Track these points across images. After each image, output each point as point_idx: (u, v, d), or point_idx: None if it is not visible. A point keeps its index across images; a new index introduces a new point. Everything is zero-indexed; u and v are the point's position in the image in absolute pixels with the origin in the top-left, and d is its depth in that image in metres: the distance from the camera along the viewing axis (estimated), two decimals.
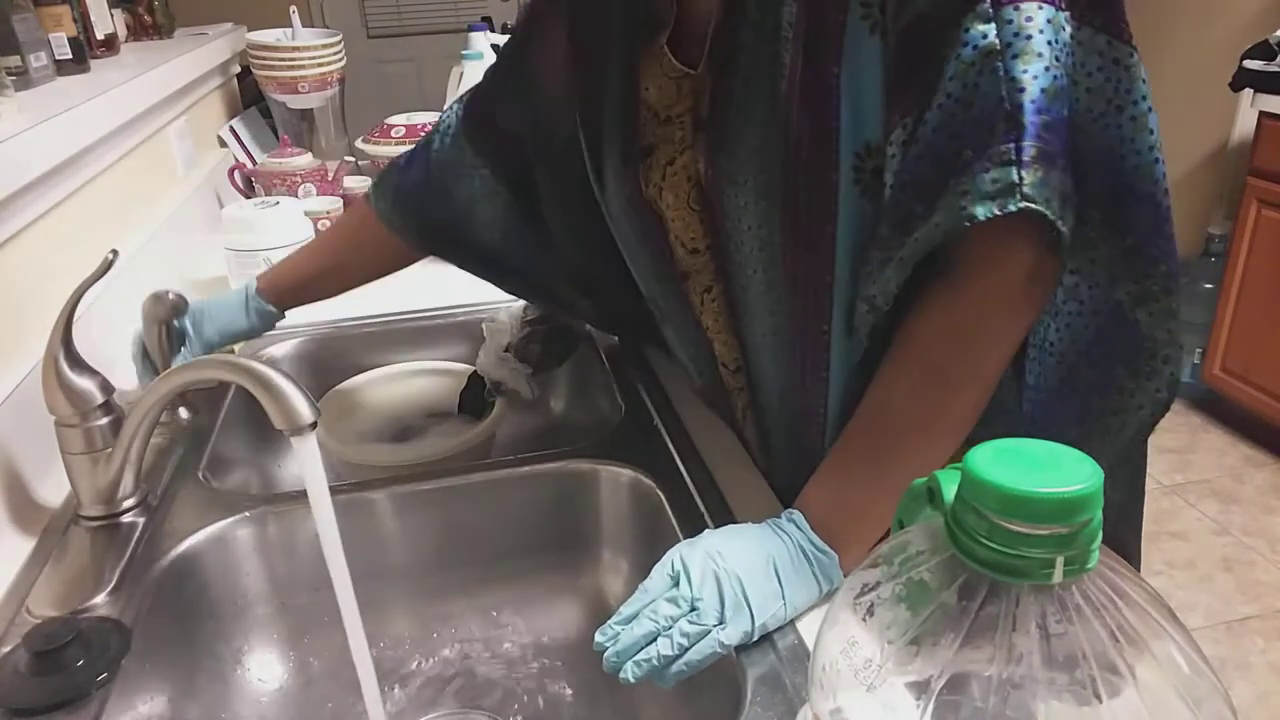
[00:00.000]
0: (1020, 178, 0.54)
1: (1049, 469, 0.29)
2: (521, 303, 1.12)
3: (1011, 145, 0.55)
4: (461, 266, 1.03)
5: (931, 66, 0.57)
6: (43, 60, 1.18)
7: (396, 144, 1.82)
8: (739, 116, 0.67)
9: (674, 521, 0.78)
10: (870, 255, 0.63)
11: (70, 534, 0.78)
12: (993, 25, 0.55)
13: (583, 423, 1.13)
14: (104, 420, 0.78)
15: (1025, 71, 0.55)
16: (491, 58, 1.74)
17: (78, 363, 0.77)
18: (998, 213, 0.54)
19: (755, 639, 0.62)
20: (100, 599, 0.71)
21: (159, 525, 0.80)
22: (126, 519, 0.79)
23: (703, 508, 0.78)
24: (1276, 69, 2.30)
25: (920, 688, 0.29)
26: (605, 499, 0.87)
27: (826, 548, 0.65)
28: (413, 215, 0.98)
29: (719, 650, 0.60)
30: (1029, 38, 0.55)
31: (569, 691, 0.82)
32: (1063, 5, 0.57)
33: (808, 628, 0.64)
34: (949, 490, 0.31)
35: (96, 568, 0.74)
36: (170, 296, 0.93)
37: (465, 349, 1.16)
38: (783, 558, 0.64)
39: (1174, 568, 2.10)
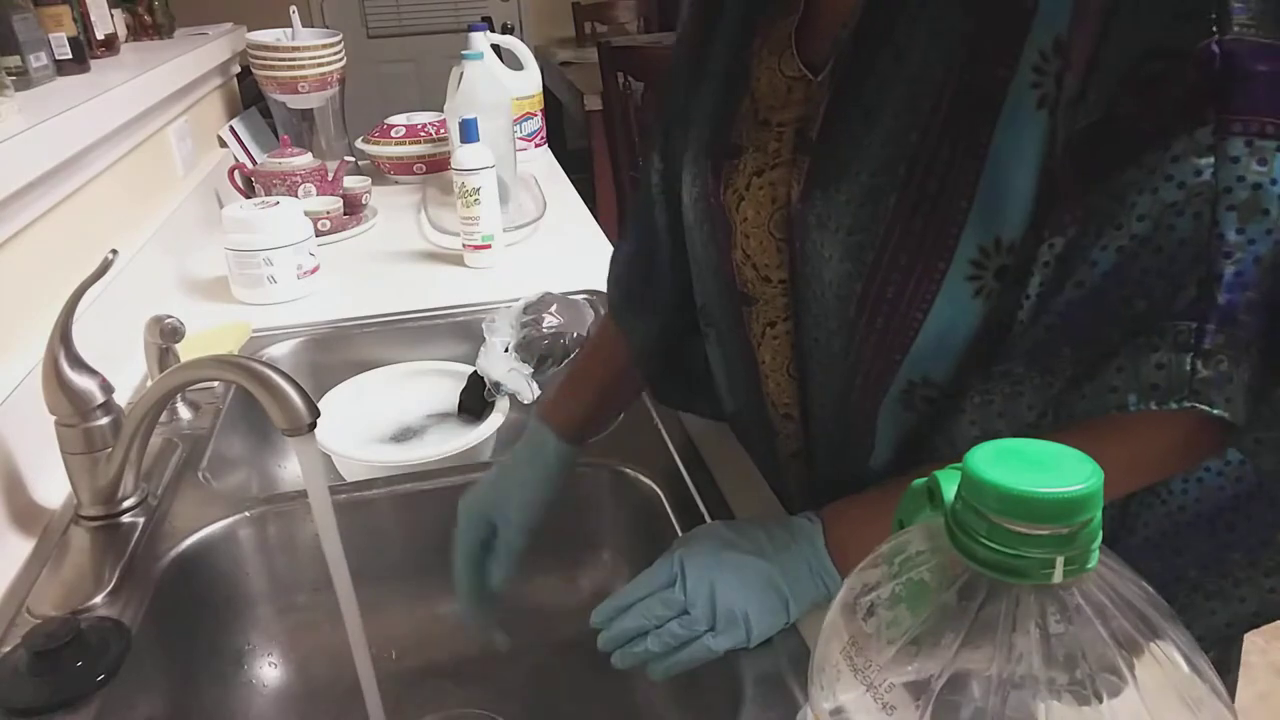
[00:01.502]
0: (1194, 369, 0.44)
1: (1049, 469, 0.29)
2: (521, 302, 1.12)
3: (1194, 325, 0.44)
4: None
5: (1113, 185, 0.46)
6: (43, 60, 1.18)
7: (396, 144, 1.83)
8: (852, 154, 0.56)
9: (674, 521, 0.78)
10: (991, 374, 0.53)
11: (70, 534, 0.78)
12: (1211, 160, 0.44)
13: None
14: (104, 420, 0.78)
15: (1241, 233, 0.44)
16: (491, 58, 1.74)
17: (78, 363, 0.77)
18: (1154, 408, 0.45)
19: (754, 645, 0.60)
20: (100, 599, 0.71)
21: (159, 525, 0.80)
22: (126, 519, 0.79)
23: (703, 508, 0.78)
24: None
25: (920, 688, 0.29)
26: (605, 499, 0.87)
27: (834, 571, 0.60)
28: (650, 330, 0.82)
29: (709, 655, 0.58)
30: (1257, 187, 0.43)
31: (569, 691, 0.82)
32: None
33: (808, 628, 0.64)
34: (949, 490, 0.31)
35: (96, 568, 0.74)
36: (169, 321, 0.93)
37: (465, 349, 1.16)
38: (789, 573, 0.59)
39: None
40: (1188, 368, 0.44)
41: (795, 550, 0.60)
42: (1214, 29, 0.43)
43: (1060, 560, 0.28)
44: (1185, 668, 0.30)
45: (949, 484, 0.32)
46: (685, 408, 0.89)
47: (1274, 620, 0.58)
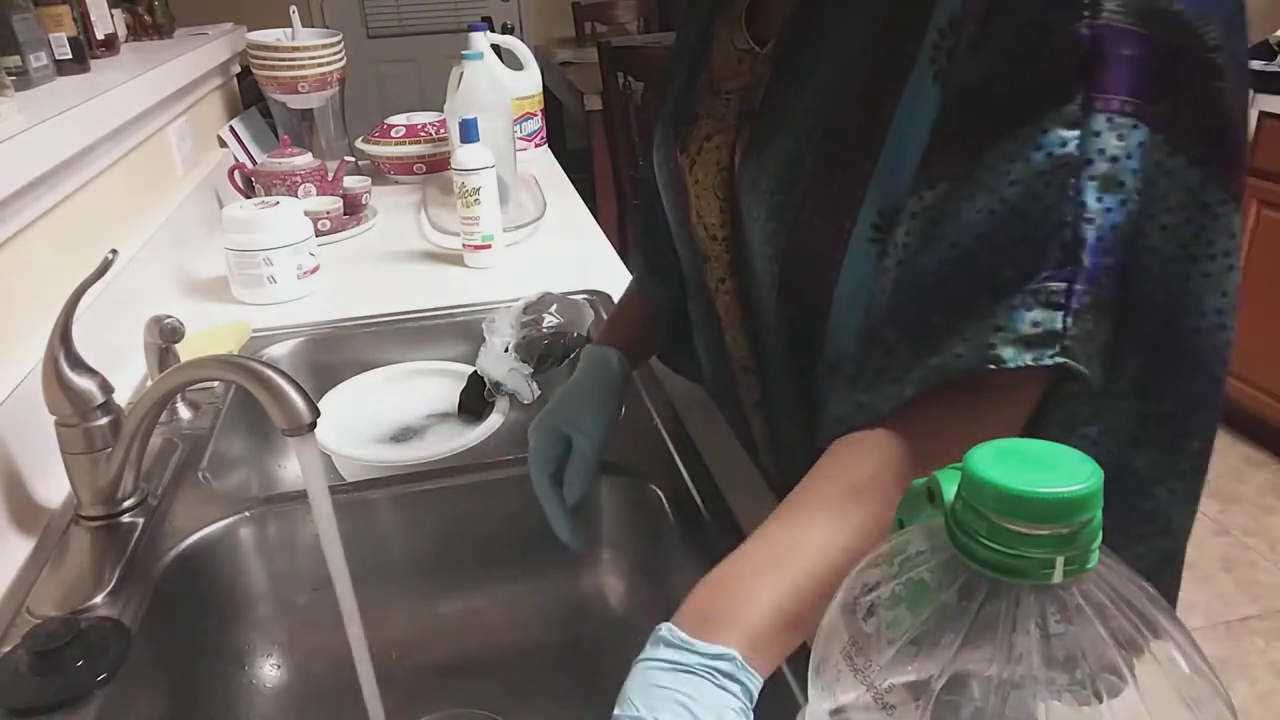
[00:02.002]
0: (1065, 327, 0.47)
1: (1049, 469, 0.29)
2: (522, 302, 1.12)
3: (1064, 285, 0.47)
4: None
5: (986, 153, 0.49)
6: (43, 60, 1.18)
7: (396, 144, 1.83)
8: (782, 122, 0.61)
9: (674, 521, 0.78)
10: (869, 353, 0.54)
11: (70, 534, 0.78)
12: (1077, 133, 0.47)
13: None
14: (104, 420, 0.78)
15: (1100, 201, 0.47)
16: (492, 58, 1.74)
17: (78, 363, 0.77)
18: (1029, 363, 0.47)
19: None
20: (100, 599, 0.71)
21: (159, 525, 0.80)
22: (126, 519, 0.79)
23: (703, 508, 0.78)
24: (1276, 69, 2.30)
25: (920, 688, 0.29)
26: (605, 499, 0.87)
27: (706, 646, 0.49)
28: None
29: None
30: (1114, 160, 0.47)
31: (569, 691, 0.82)
32: (1160, 126, 0.48)
33: None
34: (949, 490, 0.31)
35: (96, 568, 0.74)
36: (169, 321, 0.93)
37: (465, 349, 1.16)
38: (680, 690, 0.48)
39: None
40: (1059, 325, 0.47)
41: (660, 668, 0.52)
42: (1085, 12, 0.47)
43: (1060, 560, 0.28)
44: (1185, 668, 0.30)
45: (949, 484, 0.32)
46: (682, 370, 0.95)
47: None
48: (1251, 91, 2.37)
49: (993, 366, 0.47)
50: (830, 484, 0.53)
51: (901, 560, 0.32)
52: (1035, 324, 0.47)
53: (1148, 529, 0.59)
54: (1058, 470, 0.29)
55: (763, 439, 0.80)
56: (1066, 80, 0.47)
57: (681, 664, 0.48)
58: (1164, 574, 0.64)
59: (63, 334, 0.76)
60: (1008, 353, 0.47)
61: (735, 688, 0.47)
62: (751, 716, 0.47)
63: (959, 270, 0.50)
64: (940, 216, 0.51)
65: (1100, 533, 0.29)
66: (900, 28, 0.54)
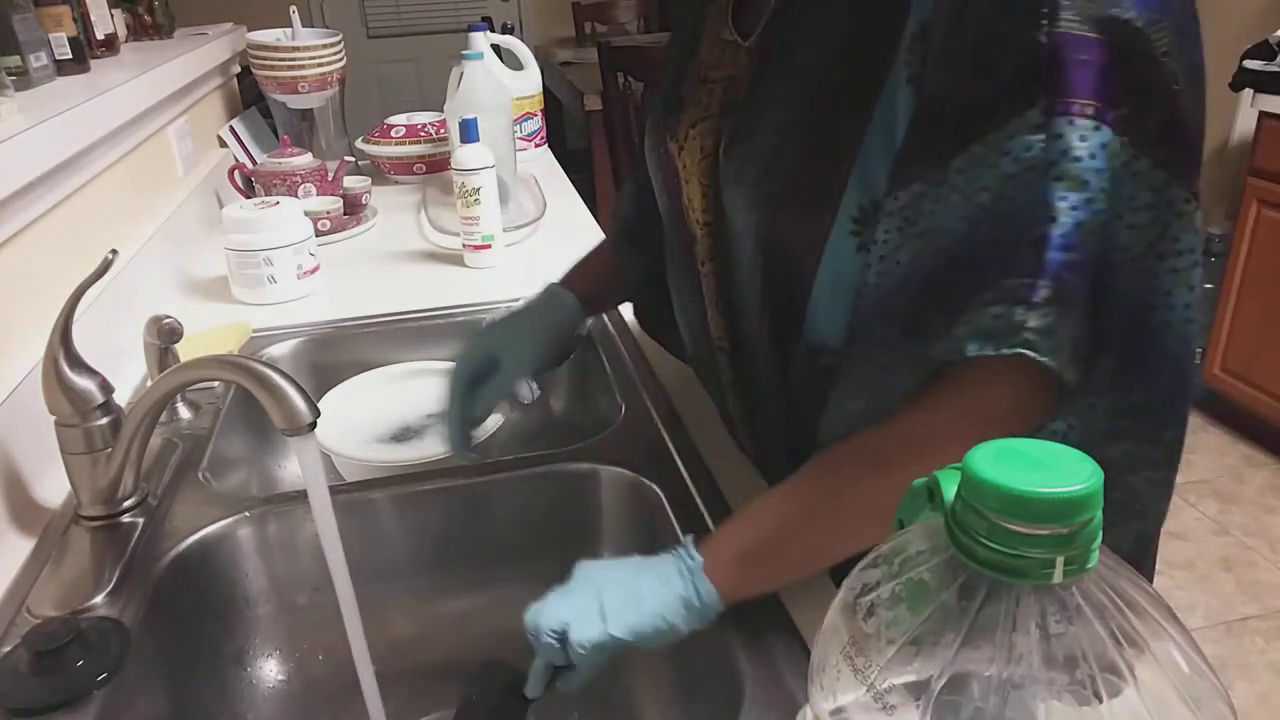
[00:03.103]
0: (1024, 320, 0.49)
1: (1049, 469, 0.29)
2: (521, 302, 1.12)
3: (1024, 281, 0.49)
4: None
5: (956, 157, 0.52)
6: (43, 60, 1.18)
7: (396, 144, 1.83)
8: (764, 114, 0.64)
9: (674, 521, 0.78)
10: (871, 352, 0.58)
11: (70, 534, 0.78)
12: (1042, 138, 0.49)
13: (583, 423, 1.13)
14: (104, 420, 0.78)
15: (1063, 200, 0.49)
16: (491, 58, 1.74)
17: (78, 363, 0.77)
18: (990, 353, 0.50)
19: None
20: (100, 599, 0.71)
21: (159, 525, 0.80)
22: (126, 519, 0.79)
23: (703, 508, 0.78)
24: (1276, 69, 2.30)
25: (920, 688, 0.29)
26: (605, 499, 0.87)
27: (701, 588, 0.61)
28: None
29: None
30: (1076, 160, 0.49)
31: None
32: (1122, 129, 0.50)
33: (807, 628, 0.64)
34: (949, 490, 0.31)
35: (96, 568, 0.74)
36: (167, 322, 0.93)
37: None
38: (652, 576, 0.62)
39: (1174, 568, 2.10)
40: (1018, 318, 0.49)
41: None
42: (1044, 21, 0.49)
43: (1060, 560, 0.28)
44: (1185, 667, 0.30)
45: (949, 484, 0.32)
46: (664, 343, 0.99)
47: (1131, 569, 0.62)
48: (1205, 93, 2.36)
49: (956, 357, 0.51)
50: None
51: (901, 560, 0.32)
52: (997, 317, 0.50)
53: (1123, 514, 0.61)
54: (1058, 470, 0.29)
55: (738, 415, 0.82)
56: (1029, 87, 0.50)
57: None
58: (1142, 556, 0.67)
59: (63, 334, 0.76)
60: (971, 346, 0.50)
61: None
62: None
63: (948, 272, 0.53)
64: (917, 217, 0.54)
65: (1100, 532, 0.29)
66: (875, 28, 0.56)
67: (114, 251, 0.79)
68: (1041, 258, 0.49)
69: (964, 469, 0.30)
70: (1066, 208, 0.49)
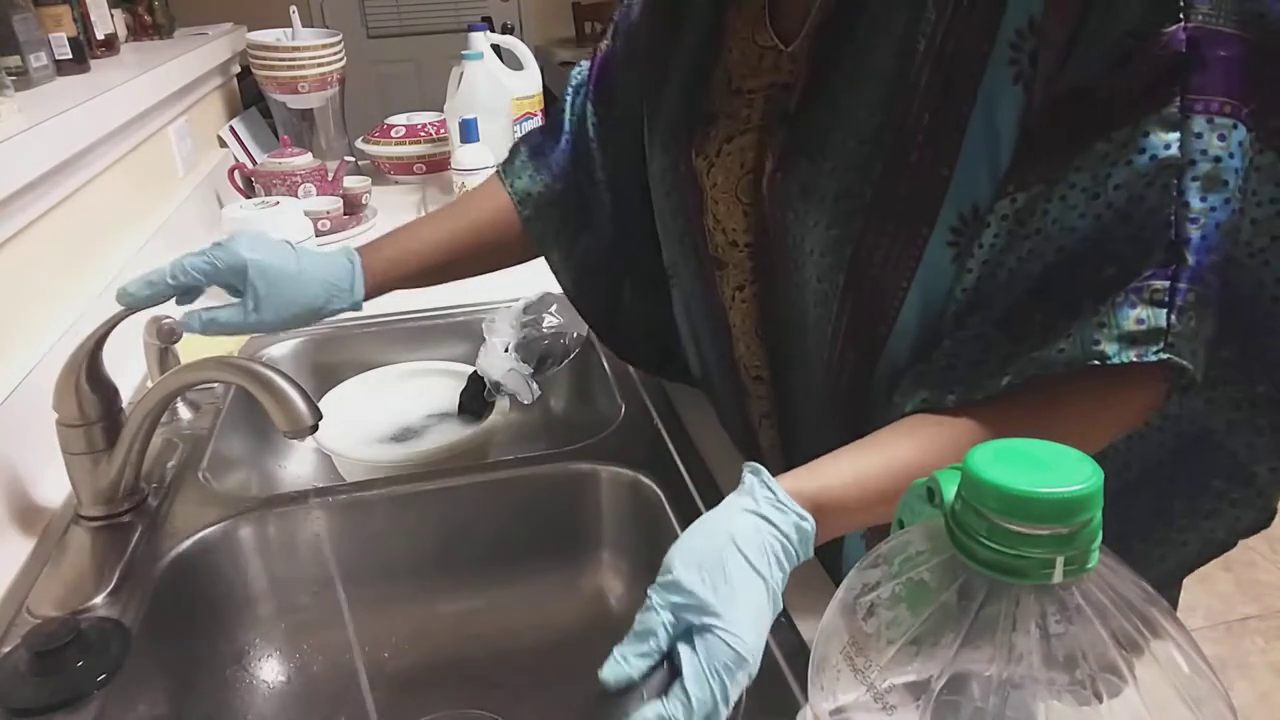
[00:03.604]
0: (1169, 324, 0.47)
1: (1049, 469, 0.29)
2: (522, 302, 1.12)
3: (1167, 284, 0.48)
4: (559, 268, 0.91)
5: (1080, 155, 0.50)
6: (43, 60, 1.18)
7: (396, 144, 1.83)
8: (836, 124, 0.59)
9: (674, 521, 0.78)
10: (962, 348, 0.54)
11: (70, 534, 0.78)
12: (1177, 135, 0.47)
13: (583, 423, 1.13)
14: (105, 421, 0.78)
15: (1204, 200, 0.48)
16: (491, 58, 1.74)
17: (99, 375, 0.77)
18: (1134, 359, 0.48)
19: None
20: (100, 599, 0.71)
21: (159, 525, 0.80)
22: (126, 519, 0.79)
23: (703, 508, 0.78)
24: None
25: (920, 688, 0.29)
26: (605, 499, 0.87)
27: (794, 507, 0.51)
28: (549, 212, 0.87)
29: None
30: (1217, 160, 0.48)
31: (569, 691, 0.82)
32: (1252, 124, 0.49)
33: (807, 628, 0.64)
34: (949, 490, 0.31)
35: (96, 568, 0.74)
36: (166, 322, 0.93)
37: (465, 349, 1.16)
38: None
39: None
40: (1163, 322, 0.48)
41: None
42: (1180, 16, 0.47)
43: (1060, 560, 0.28)
44: (1185, 667, 0.30)
45: (949, 484, 0.32)
46: (634, 361, 0.96)
47: (1215, 557, 0.63)
48: None
49: (1097, 362, 0.48)
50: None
51: (901, 560, 0.32)
52: (1140, 321, 0.48)
53: (1246, 505, 0.60)
54: (1058, 470, 0.29)
55: (772, 450, 0.78)
56: (1164, 84, 0.48)
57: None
58: (1230, 546, 0.65)
59: (95, 345, 0.76)
60: (1111, 349, 0.48)
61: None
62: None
63: (1060, 270, 0.51)
64: (1030, 217, 0.52)
65: (1100, 533, 0.29)
66: (966, 26, 0.53)
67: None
68: (1183, 260, 0.48)
69: (964, 469, 0.30)
70: (1206, 208, 0.48)
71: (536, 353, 1.07)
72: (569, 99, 0.88)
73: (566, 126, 0.88)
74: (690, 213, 0.71)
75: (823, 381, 0.66)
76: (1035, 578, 0.29)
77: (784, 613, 0.65)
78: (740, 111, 0.66)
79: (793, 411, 0.73)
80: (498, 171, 0.90)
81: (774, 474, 0.76)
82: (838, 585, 0.69)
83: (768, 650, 0.62)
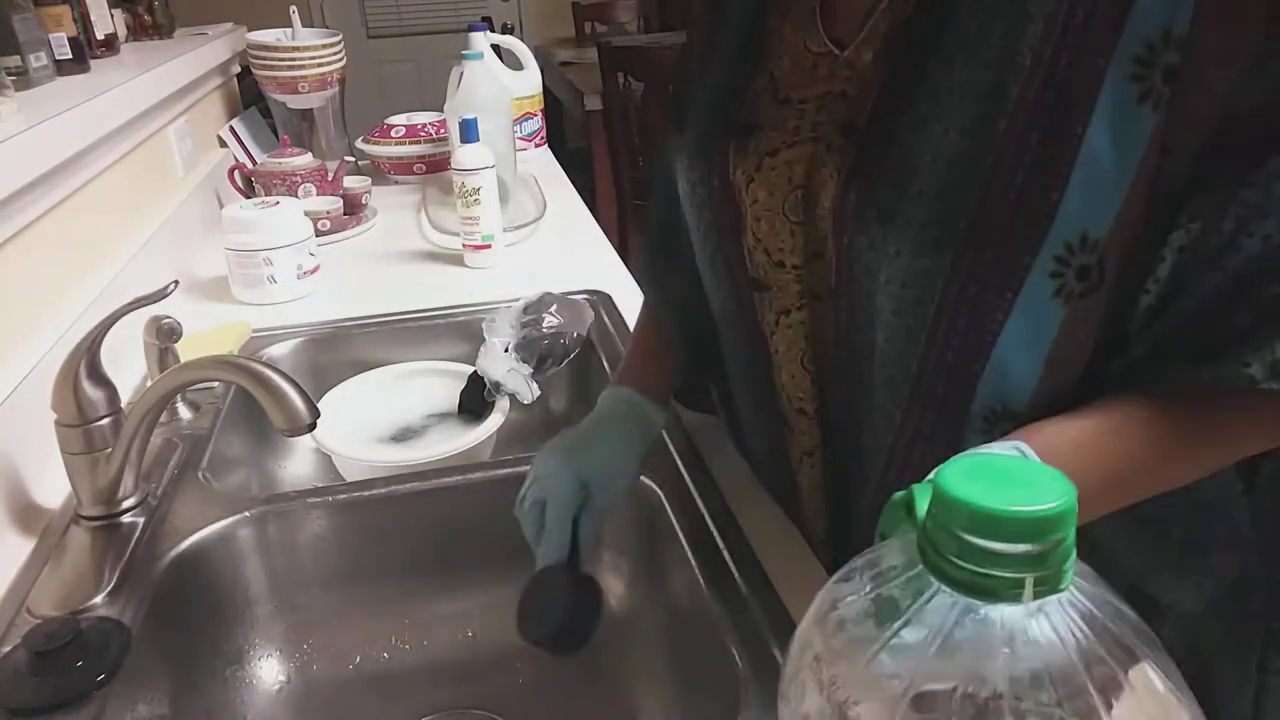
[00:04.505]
0: None
1: (1021, 486, 0.28)
2: (522, 302, 1.12)
3: None
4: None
5: (1257, 176, 0.47)
6: (43, 60, 1.19)
7: (396, 144, 1.83)
8: (920, 143, 0.53)
9: (674, 521, 0.78)
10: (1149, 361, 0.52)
11: (70, 534, 0.79)
12: None
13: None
14: (104, 420, 0.78)
15: None
16: (491, 58, 1.74)
17: (96, 373, 0.77)
18: (1275, 388, 0.47)
19: None
20: (100, 599, 0.71)
21: (159, 525, 0.80)
22: (126, 519, 0.80)
23: (702, 508, 0.78)
24: None
25: (888, 705, 0.29)
26: None
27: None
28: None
29: None
30: None
31: (569, 691, 0.82)
32: None
33: None
34: (923, 505, 0.31)
35: (96, 568, 0.74)
36: (166, 322, 0.94)
37: (465, 349, 1.16)
38: None
39: None
40: None
41: None
42: None
43: (1030, 580, 0.28)
44: (1160, 688, 0.29)
45: (924, 499, 0.31)
46: (706, 409, 0.89)
47: None
48: None
49: (1245, 385, 0.48)
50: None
51: (874, 575, 0.32)
52: None
53: None
54: (1031, 488, 0.28)
55: (813, 492, 0.73)
56: None
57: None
58: None
59: (91, 344, 0.76)
60: (1259, 374, 0.47)
61: None
62: None
63: (1225, 295, 0.49)
64: (1204, 245, 0.49)
65: (1074, 553, 0.29)
66: (1083, 38, 0.48)
67: (175, 282, 0.81)
68: None
69: (935, 484, 0.29)
70: None
71: (536, 353, 1.07)
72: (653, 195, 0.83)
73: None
74: (724, 231, 0.66)
75: (895, 419, 0.60)
76: (1005, 598, 0.28)
77: (784, 611, 0.66)
78: (788, 123, 0.61)
79: (843, 450, 0.68)
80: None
81: (815, 518, 0.73)
82: (810, 546, 0.69)
83: (768, 648, 0.62)
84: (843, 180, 0.57)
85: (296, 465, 1.11)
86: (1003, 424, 0.56)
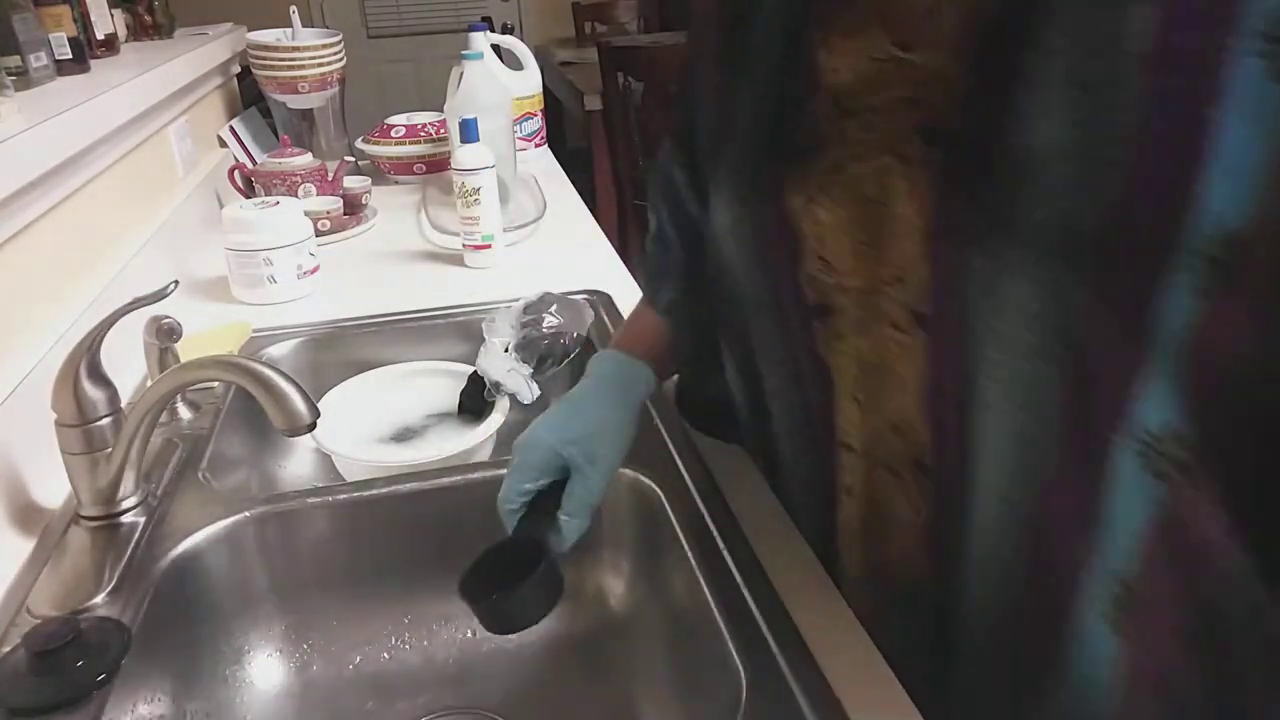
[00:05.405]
0: None
1: None
2: (522, 302, 1.12)
3: None
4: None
5: None
6: (43, 60, 1.18)
7: (396, 144, 1.83)
8: (1026, 140, 0.48)
9: (674, 521, 0.78)
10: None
11: (70, 534, 0.78)
12: None
13: None
14: (104, 420, 0.78)
15: None
16: (491, 58, 1.74)
17: (97, 374, 0.77)
18: None
19: None
20: (100, 599, 0.71)
21: (159, 525, 0.80)
22: (126, 519, 0.80)
23: (702, 508, 0.78)
24: None
25: None
26: (605, 499, 0.87)
27: None
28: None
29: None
30: None
31: (569, 691, 0.82)
32: None
33: (808, 627, 0.64)
34: None
35: (96, 568, 0.74)
36: (166, 322, 0.94)
37: (465, 349, 1.16)
38: None
39: None
40: None
41: None
42: None
43: None
44: None
45: None
46: (716, 432, 0.87)
47: None
48: None
49: None
50: None
51: None
52: None
53: None
54: None
55: (847, 524, 0.68)
56: None
57: None
58: None
59: (91, 344, 0.76)
60: None
61: None
62: None
63: None
64: None
65: None
66: (1199, 16, 0.44)
67: (175, 282, 0.81)
68: None
69: None
70: None
71: (536, 353, 1.07)
72: (656, 199, 0.81)
73: (667, 226, 0.80)
74: (783, 263, 0.61)
75: (1019, 453, 0.54)
76: None
77: (784, 612, 0.66)
78: (852, 135, 0.56)
79: (887, 491, 0.63)
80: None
81: (850, 554, 0.68)
82: (838, 584, 0.69)
83: (768, 650, 0.62)
84: (935, 191, 0.52)
85: (296, 465, 1.11)
86: (1166, 448, 0.49)
